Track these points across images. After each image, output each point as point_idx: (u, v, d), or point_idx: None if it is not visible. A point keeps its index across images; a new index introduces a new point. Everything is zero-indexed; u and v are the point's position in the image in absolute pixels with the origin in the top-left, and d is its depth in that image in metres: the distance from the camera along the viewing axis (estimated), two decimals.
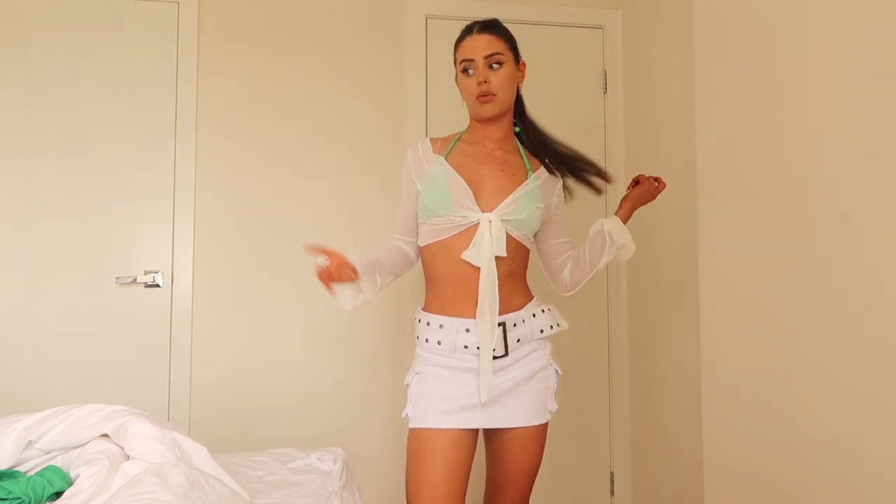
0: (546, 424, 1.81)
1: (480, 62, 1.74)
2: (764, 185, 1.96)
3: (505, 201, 1.74)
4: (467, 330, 1.72)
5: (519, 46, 1.83)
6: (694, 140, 2.32)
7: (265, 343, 2.70)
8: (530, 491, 1.84)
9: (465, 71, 1.77)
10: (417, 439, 1.71)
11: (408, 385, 1.79)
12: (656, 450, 2.68)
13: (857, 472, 1.62)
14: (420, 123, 2.84)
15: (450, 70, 1.88)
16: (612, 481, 2.92)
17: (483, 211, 1.73)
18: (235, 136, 2.73)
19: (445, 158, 1.79)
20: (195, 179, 2.68)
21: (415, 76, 2.85)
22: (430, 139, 1.87)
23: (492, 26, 1.79)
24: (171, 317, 2.64)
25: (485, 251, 1.69)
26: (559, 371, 1.85)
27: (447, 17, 2.88)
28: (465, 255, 1.71)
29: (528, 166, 1.83)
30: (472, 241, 1.71)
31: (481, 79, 1.73)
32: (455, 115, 2.28)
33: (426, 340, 1.78)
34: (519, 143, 1.89)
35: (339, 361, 2.75)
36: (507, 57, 1.77)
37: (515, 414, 1.75)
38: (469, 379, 1.73)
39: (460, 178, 1.75)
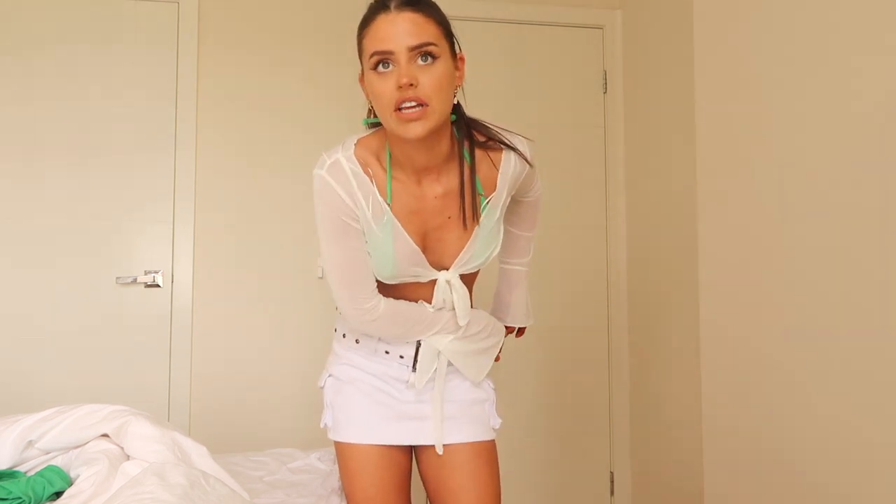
0: (493, 443, 1.49)
1: (403, 55, 1.19)
2: (764, 184, 1.96)
3: (459, 258, 1.40)
4: None
5: (469, 36, 1.43)
6: (694, 140, 2.32)
7: (265, 343, 2.70)
8: None
9: (376, 67, 1.22)
10: (342, 453, 1.49)
11: (322, 388, 1.54)
12: (656, 450, 2.67)
13: (856, 472, 1.62)
14: None
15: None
16: (612, 481, 2.92)
17: (437, 269, 1.40)
18: (235, 136, 2.73)
19: (390, 206, 1.32)
20: (195, 179, 2.68)
21: None
22: (356, 155, 1.31)
23: (416, 1, 1.23)
24: (171, 317, 2.64)
25: (457, 307, 1.41)
26: (493, 386, 1.55)
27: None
28: (433, 310, 1.42)
29: (478, 184, 1.37)
30: (433, 299, 1.41)
31: (405, 80, 1.18)
32: None
33: (343, 336, 1.50)
34: (461, 145, 1.35)
35: None
36: (443, 47, 1.23)
37: (453, 428, 1.45)
38: (392, 386, 1.47)
39: (409, 240, 1.35)
